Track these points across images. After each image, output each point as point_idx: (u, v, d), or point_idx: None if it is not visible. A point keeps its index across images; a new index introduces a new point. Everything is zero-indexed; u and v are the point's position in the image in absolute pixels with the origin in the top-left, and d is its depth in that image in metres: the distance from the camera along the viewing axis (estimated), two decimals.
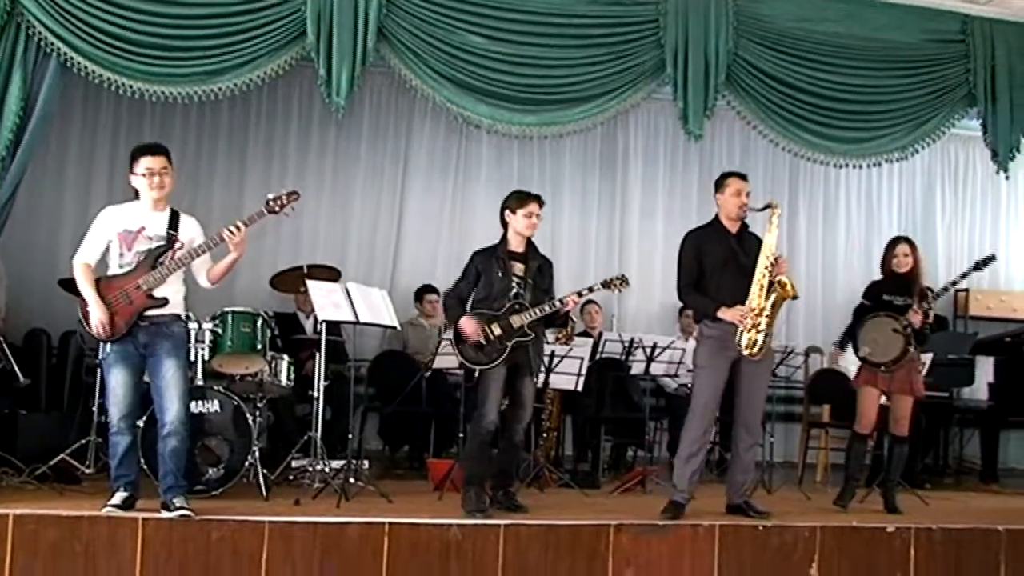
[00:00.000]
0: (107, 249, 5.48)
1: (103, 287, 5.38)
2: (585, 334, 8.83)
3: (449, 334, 6.43)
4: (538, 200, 6.20)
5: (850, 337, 6.94)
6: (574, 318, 8.05)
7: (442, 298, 6.33)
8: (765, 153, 10.21)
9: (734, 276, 6.10)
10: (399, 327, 7.32)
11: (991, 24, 7.84)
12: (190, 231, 5.55)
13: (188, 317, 5.85)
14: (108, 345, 5.34)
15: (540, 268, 6.22)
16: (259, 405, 6.65)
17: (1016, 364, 9.43)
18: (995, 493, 8.66)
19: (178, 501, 5.29)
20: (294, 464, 6.91)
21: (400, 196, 9.94)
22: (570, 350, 7.22)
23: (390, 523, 5.22)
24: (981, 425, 9.57)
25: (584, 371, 7.26)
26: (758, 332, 6.02)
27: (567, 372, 7.19)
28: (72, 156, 9.17)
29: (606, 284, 6.34)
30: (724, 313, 6.02)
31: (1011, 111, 7.78)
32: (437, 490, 6.70)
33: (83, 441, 6.57)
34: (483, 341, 5.93)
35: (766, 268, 6.06)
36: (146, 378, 5.55)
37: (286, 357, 6.96)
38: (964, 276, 7.10)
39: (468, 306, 6.13)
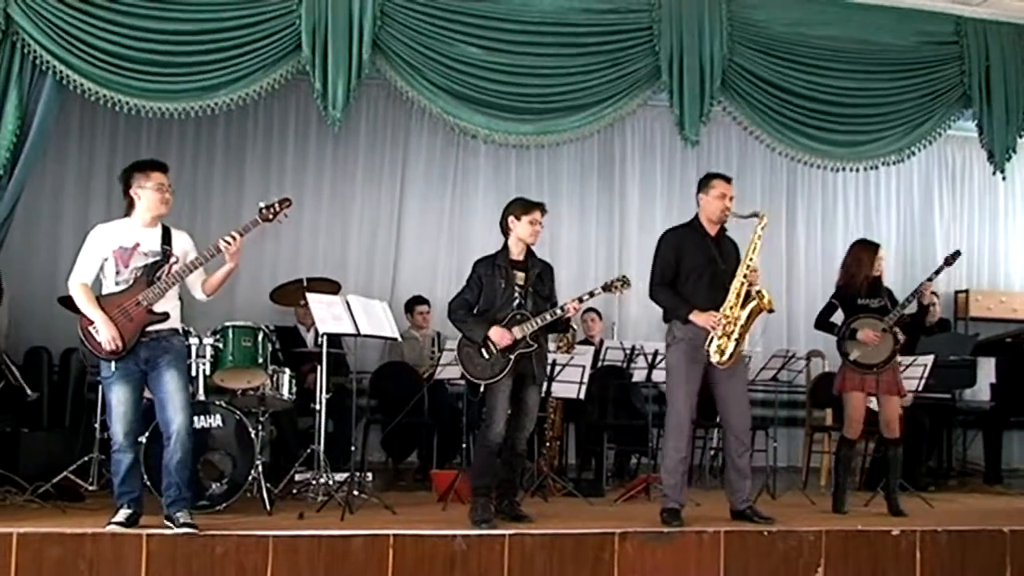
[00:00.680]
0: (101, 267, 5.47)
1: (102, 305, 5.38)
2: (586, 342, 8.82)
3: (452, 345, 6.41)
4: (541, 208, 6.22)
5: (840, 340, 6.93)
6: (574, 326, 8.08)
7: (448, 310, 6.24)
8: (763, 158, 10.23)
9: (710, 281, 6.07)
10: (400, 338, 7.33)
11: (984, 25, 7.85)
12: (183, 245, 5.57)
13: (187, 331, 5.84)
14: (112, 364, 5.33)
15: (540, 275, 6.22)
16: (261, 419, 6.67)
17: (1017, 364, 9.42)
18: (999, 494, 8.63)
19: (182, 516, 5.29)
20: (297, 477, 6.90)
21: (398, 207, 9.95)
22: (572, 358, 7.21)
23: (394, 535, 5.19)
24: (984, 426, 9.56)
25: (586, 379, 7.24)
26: (729, 340, 5.96)
27: (569, 380, 7.18)
28: (70, 173, 9.19)
29: (607, 287, 6.33)
30: (696, 317, 5.97)
31: (1006, 112, 7.79)
32: (441, 501, 6.71)
33: (86, 458, 6.58)
34: (496, 348, 5.95)
35: (745, 277, 6.03)
36: (146, 394, 5.56)
37: (288, 370, 6.98)
38: (937, 273, 7.11)
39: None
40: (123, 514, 5.34)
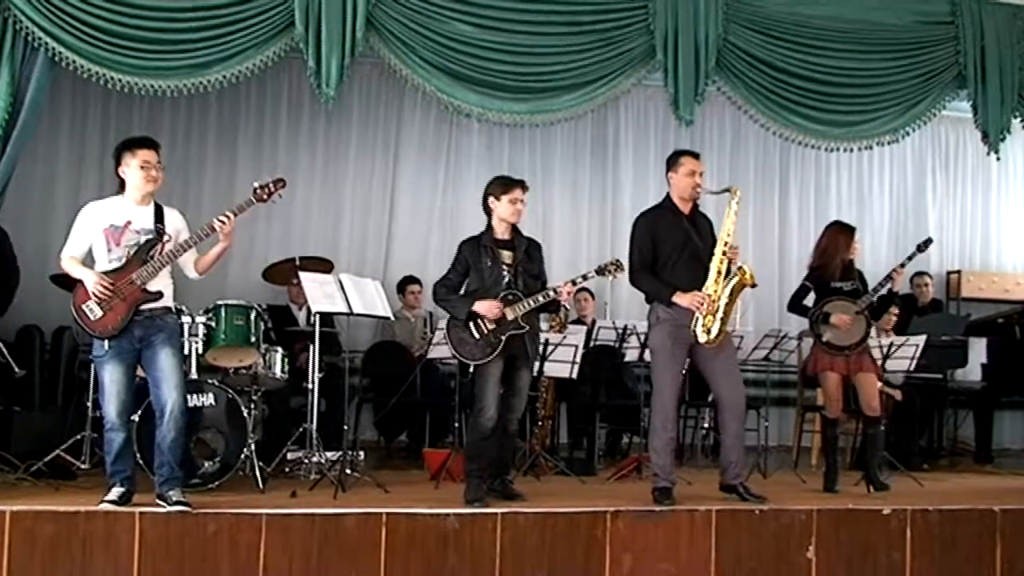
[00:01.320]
0: (91, 247, 5.47)
1: None
2: (578, 322, 8.83)
3: (442, 325, 6.39)
4: (522, 185, 6.13)
5: (813, 322, 6.93)
6: (567, 306, 8.08)
7: (433, 292, 6.20)
8: (756, 137, 10.23)
9: (688, 260, 6.04)
10: (393, 317, 7.32)
11: (980, 5, 7.86)
12: (175, 223, 5.56)
13: (179, 309, 5.83)
14: (106, 342, 5.33)
15: (528, 252, 6.15)
16: (254, 398, 6.67)
17: (1009, 345, 9.48)
18: (989, 474, 8.68)
19: (174, 494, 5.29)
20: (289, 456, 6.90)
21: (391, 187, 9.92)
22: (564, 338, 7.21)
23: (387, 513, 5.22)
24: (975, 406, 9.61)
25: (578, 359, 7.23)
26: (715, 318, 5.94)
27: (562, 360, 7.17)
28: (62, 151, 9.14)
29: (600, 271, 6.26)
30: (679, 298, 5.94)
31: (1001, 92, 7.81)
32: (433, 480, 6.71)
33: (78, 436, 6.55)
34: (487, 328, 5.90)
35: (724, 253, 6.00)
36: (139, 372, 5.55)
37: (280, 349, 6.97)
38: (910, 259, 7.09)
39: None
40: (116, 492, 5.33)
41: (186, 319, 6.34)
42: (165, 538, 4.99)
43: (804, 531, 5.67)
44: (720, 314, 5.96)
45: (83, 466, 6.47)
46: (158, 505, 5.25)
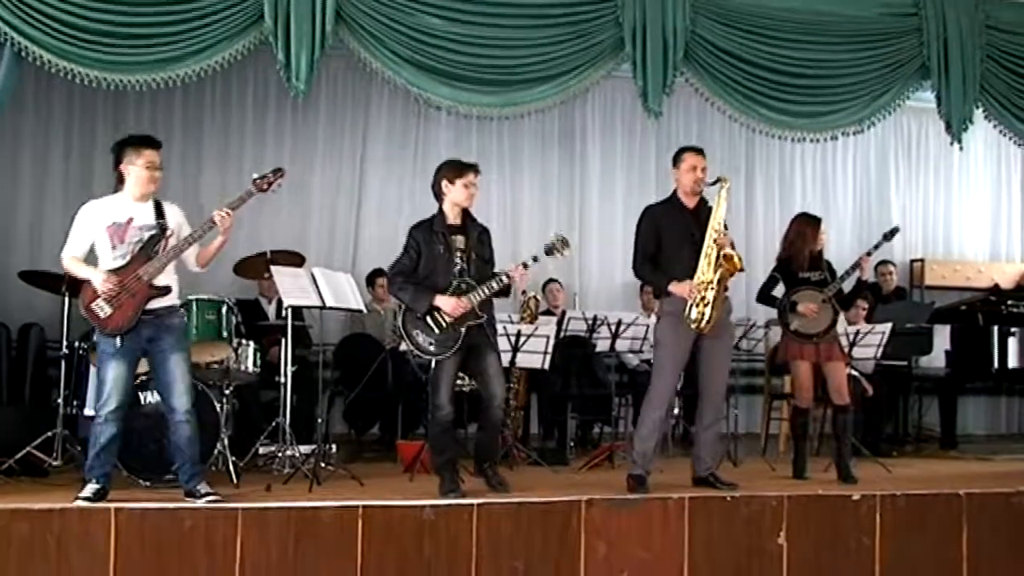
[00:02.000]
0: (93, 245, 5.47)
1: None
2: (548, 313, 8.87)
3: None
4: (475, 169, 6.08)
5: (781, 312, 7.02)
6: (537, 298, 8.12)
7: (389, 281, 6.13)
8: (721, 128, 10.31)
9: (690, 252, 6.12)
10: (366, 310, 7.32)
11: None
12: (176, 218, 5.60)
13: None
14: (117, 340, 5.34)
15: (480, 238, 6.09)
16: (226, 392, 6.64)
17: (972, 332, 9.60)
18: (954, 459, 8.79)
19: (202, 488, 5.42)
20: (262, 451, 6.89)
21: (359, 179, 9.94)
22: (536, 329, 7.25)
23: (364, 505, 5.21)
24: (939, 393, 9.74)
25: (550, 349, 7.26)
26: (705, 305, 6.03)
27: (533, 351, 7.21)
28: (25, 146, 9.09)
29: (548, 250, 6.12)
30: (674, 287, 6.07)
31: (963, 83, 7.89)
32: (407, 472, 6.73)
33: (49, 434, 6.51)
34: (446, 322, 5.84)
35: (713, 241, 6.09)
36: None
37: (252, 344, 6.95)
38: (877, 247, 7.18)
39: None
40: (90, 489, 5.35)
41: None
42: (141, 534, 4.95)
43: (775, 517, 5.71)
44: (710, 301, 6.04)
45: (54, 463, 6.44)
46: (188, 500, 5.37)
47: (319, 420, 6.74)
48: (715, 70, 7.52)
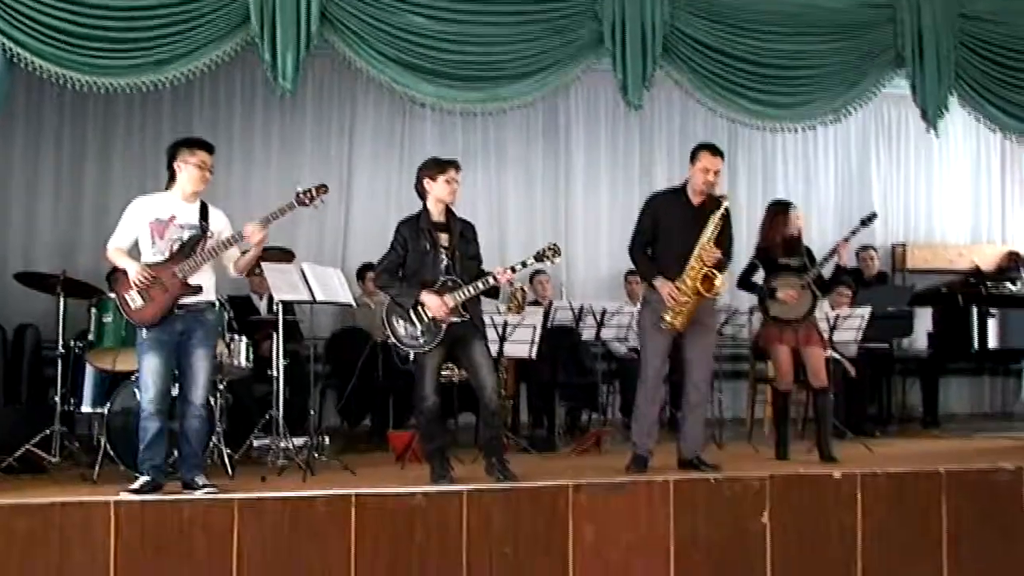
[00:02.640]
0: (137, 239, 5.63)
1: None
2: (536, 303, 8.99)
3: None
4: (455, 165, 6.15)
5: (761, 298, 7.17)
6: (524, 288, 8.25)
7: (375, 276, 6.23)
8: (704, 118, 10.33)
9: (683, 247, 6.27)
10: (355, 304, 7.44)
11: None
12: (219, 223, 5.76)
13: (222, 304, 6.00)
14: (144, 331, 5.49)
15: (463, 234, 6.15)
16: (220, 387, 6.75)
17: (952, 313, 9.74)
18: (936, 438, 8.92)
19: (200, 479, 5.51)
20: (255, 443, 7.00)
21: (347, 175, 10.04)
22: (523, 319, 7.38)
23: (356, 494, 5.34)
24: (921, 374, 9.89)
25: (537, 339, 7.39)
26: (677, 315, 6.23)
27: (521, 341, 7.33)
28: (17, 150, 9.16)
29: (539, 257, 6.17)
30: (659, 284, 6.27)
31: (938, 71, 7.99)
32: (399, 461, 6.86)
33: (47, 432, 6.55)
34: (428, 317, 5.92)
35: (699, 259, 6.23)
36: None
37: (245, 339, 7.04)
38: (854, 233, 7.33)
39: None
40: (140, 481, 5.47)
41: None
42: (141, 526, 5.07)
43: (758, 497, 5.85)
44: (683, 310, 6.23)
45: (53, 460, 6.51)
46: (187, 492, 5.44)
47: (311, 412, 6.86)
48: (694, 63, 7.62)
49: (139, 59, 6.57)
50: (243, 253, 5.84)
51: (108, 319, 6.36)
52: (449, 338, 5.96)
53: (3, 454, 6.39)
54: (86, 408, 6.74)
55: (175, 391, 5.75)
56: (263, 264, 6.67)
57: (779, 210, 7.24)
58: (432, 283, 5.96)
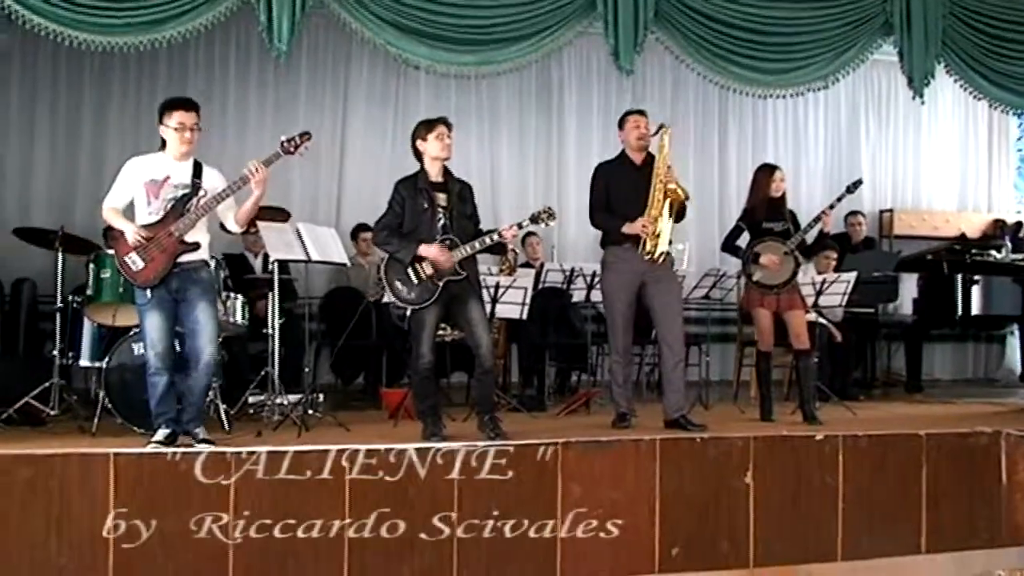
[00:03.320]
0: (134, 199, 5.68)
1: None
2: (527, 265, 9.09)
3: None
4: (444, 122, 6.23)
5: (744, 262, 7.28)
6: (515, 249, 8.33)
7: (374, 233, 6.28)
8: (695, 85, 10.48)
9: (638, 202, 6.54)
10: (349, 264, 7.53)
11: None
12: (213, 180, 5.78)
13: (217, 261, 6.02)
14: (148, 291, 5.56)
15: (460, 195, 6.22)
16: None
17: (937, 280, 9.85)
18: (919, 403, 9.03)
19: (200, 432, 5.65)
20: (251, 400, 7.10)
21: (341, 137, 10.13)
22: (514, 280, 7.48)
23: (351, 449, 5.39)
24: (906, 339, 10.02)
25: (528, 300, 7.49)
26: (657, 237, 6.49)
27: (512, 302, 7.43)
28: (12, 109, 9.21)
29: (534, 219, 6.28)
30: (628, 227, 6.52)
31: (925, 39, 8.09)
32: (392, 418, 6.98)
33: (46, 384, 6.66)
34: (426, 274, 6.01)
35: (661, 181, 6.52)
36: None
37: (241, 297, 7.13)
38: (839, 200, 7.39)
39: None
40: (161, 433, 5.62)
41: None
42: (139, 477, 5.13)
43: (742, 457, 5.94)
44: (663, 234, 6.50)
45: (52, 413, 6.62)
46: (186, 443, 5.56)
47: (306, 370, 6.96)
48: (685, 28, 7.71)
49: (135, 18, 6.60)
50: (233, 205, 5.86)
51: (106, 274, 6.40)
52: (446, 296, 6.04)
53: (2, 405, 6.48)
54: (84, 362, 6.84)
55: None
56: (259, 223, 6.74)
57: (763, 171, 7.38)
58: (430, 242, 6.03)
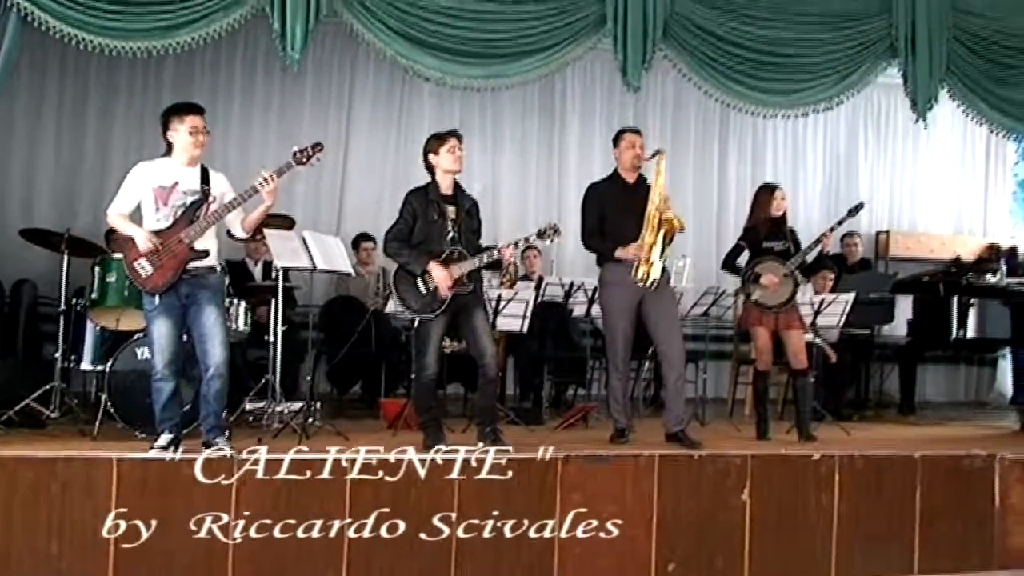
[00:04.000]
0: (139, 204, 5.68)
1: None
2: (526, 278, 9.12)
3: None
4: (455, 135, 6.29)
5: (744, 281, 7.33)
6: (517, 263, 8.38)
7: (384, 242, 6.31)
8: (696, 102, 10.55)
9: (631, 223, 6.56)
10: (354, 273, 7.56)
11: None
12: (220, 186, 5.78)
13: (223, 268, 6.03)
14: (156, 297, 5.56)
15: (469, 210, 6.32)
16: None
17: (932, 303, 9.86)
18: (913, 424, 9.07)
19: (219, 441, 5.61)
20: (248, 407, 7.09)
21: (344, 143, 10.17)
22: (516, 294, 7.52)
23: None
24: (900, 360, 10.04)
25: (529, 313, 7.52)
26: (650, 264, 6.50)
27: (513, 315, 7.47)
28: (19, 106, 9.21)
29: (540, 234, 6.42)
30: (621, 252, 6.53)
31: (930, 63, 8.13)
32: (391, 428, 7.00)
33: (47, 387, 6.66)
34: (428, 287, 6.06)
35: (656, 208, 6.54)
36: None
37: (244, 303, 7.15)
38: (840, 223, 7.51)
39: None
40: (165, 439, 5.60)
41: None
42: (142, 481, 5.18)
43: (739, 475, 6.01)
44: (654, 260, 6.52)
45: (52, 415, 6.62)
46: (202, 450, 5.50)
47: (307, 378, 6.99)
48: (693, 47, 7.74)
49: (150, 23, 6.62)
50: (241, 212, 5.86)
51: (112, 278, 6.38)
52: (453, 307, 6.11)
53: (1, 407, 6.47)
54: (86, 365, 6.81)
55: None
56: (266, 230, 6.77)
57: (764, 190, 7.46)
58: (439, 253, 6.10)
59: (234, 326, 7.02)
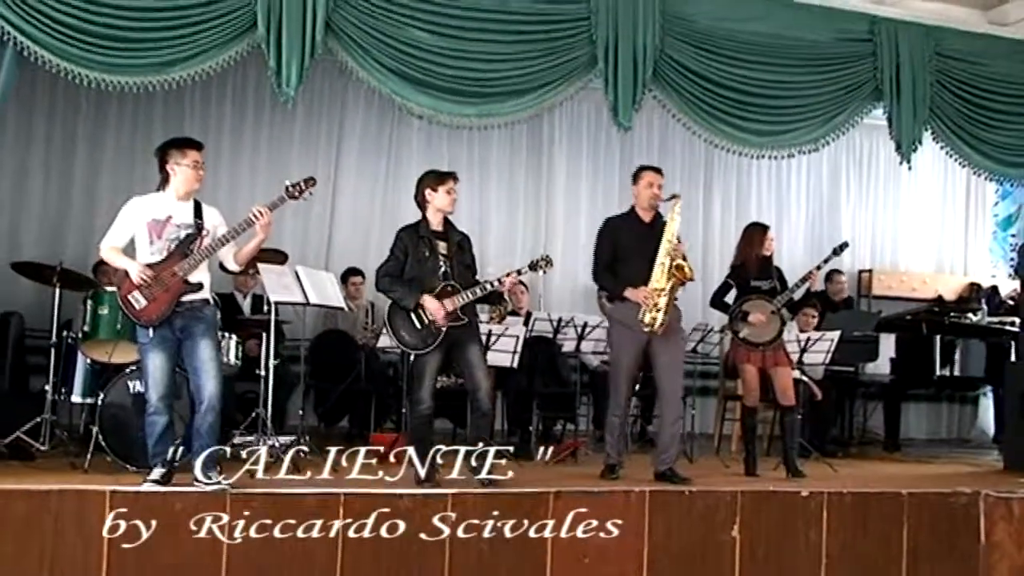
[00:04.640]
0: (133, 238, 5.70)
1: None
2: (514, 313, 9.16)
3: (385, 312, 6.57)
4: (454, 177, 6.40)
5: (731, 319, 7.44)
6: (508, 297, 8.42)
7: (377, 279, 6.38)
8: (682, 142, 10.71)
9: (644, 262, 6.63)
10: (347, 308, 7.59)
11: (896, 25, 8.33)
12: (213, 219, 5.83)
13: (216, 301, 6.04)
14: (150, 330, 5.57)
15: (460, 244, 6.39)
16: None
17: (916, 341, 9.98)
18: (897, 461, 9.17)
19: (213, 475, 5.57)
20: (236, 440, 7.07)
21: (333, 179, 10.22)
22: (506, 329, 7.56)
23: (345, 493, 5.41)
24: (884, 398, 10.13)
25: (519, 348, 7.57)
26: (657, 311, 6.55)
27: (503, 350, 7.52)
28: (7, 141, 9.19)
29: (533, 266, 6.59)
30: (630, 293, 6.60)
31: (914, 106, 8.27)
32: (382, 463, 7.00)
33: (37, 419, 6.65)
34: (428, 319, 6.10)
35: (668, 253, 6.61)
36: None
37: (235, 337, 7.16)
38: (826, 261, 7.69)
39: None
40: (157, 472, 5.61)
41: None
42: (135, 515, 5.08)
43: (729, 511, 5.99)
44: (662, 307, 6.55)
45: (42, 448, 6.61)
46: (183, 482, 5.51)
47: (300, 412, 7.00)
48: (681, 88, 7.85)
49: (146, 59, 6.66)
50: (233, 245, 5.89)
51: (104, 311, 6.43)
52: (448, 341, 6.15)
53: None
54: (76, 398, 6.82)
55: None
56: (259, 265, 6.81)
57: (756, 229, 7.56)
58: (432, 288, 6.16)
59: (225, 359, 7.02)
